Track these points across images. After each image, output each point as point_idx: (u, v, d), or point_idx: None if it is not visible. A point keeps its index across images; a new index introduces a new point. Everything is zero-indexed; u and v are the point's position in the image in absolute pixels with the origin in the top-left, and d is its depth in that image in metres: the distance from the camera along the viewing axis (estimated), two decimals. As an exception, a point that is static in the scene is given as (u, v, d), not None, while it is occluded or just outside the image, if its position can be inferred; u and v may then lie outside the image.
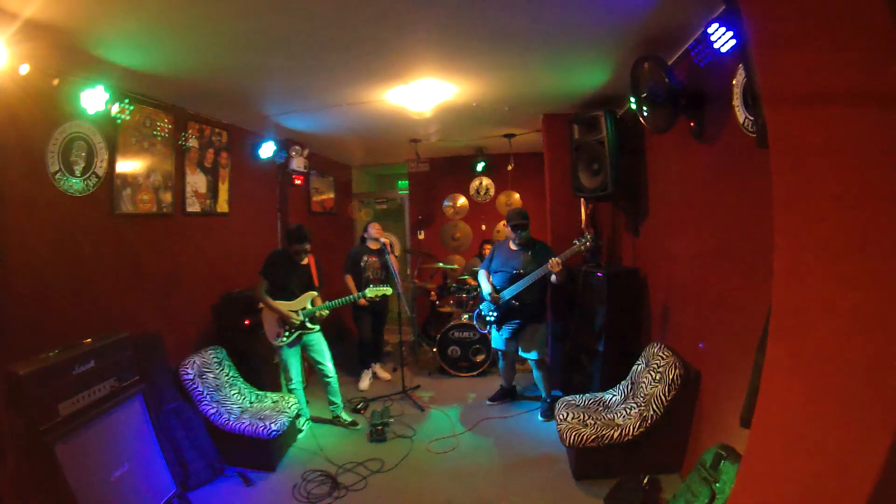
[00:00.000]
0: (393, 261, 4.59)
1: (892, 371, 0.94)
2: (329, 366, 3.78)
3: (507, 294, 3.72)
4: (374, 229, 4.74)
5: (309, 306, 3.67)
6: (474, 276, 5.70)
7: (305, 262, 3.73)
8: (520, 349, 3.87)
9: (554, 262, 3.41)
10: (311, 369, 3.97)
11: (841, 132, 1.10)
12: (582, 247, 3.40)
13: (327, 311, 3.71)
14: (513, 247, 3.86)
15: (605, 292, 3.52)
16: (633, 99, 2.90)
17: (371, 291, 3.89)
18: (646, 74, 2.73)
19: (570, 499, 2.80)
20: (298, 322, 3.60)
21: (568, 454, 3.10)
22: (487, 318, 3.90)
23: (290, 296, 3.62)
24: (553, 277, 3.49)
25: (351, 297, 4.01)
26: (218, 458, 3.09)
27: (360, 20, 2.32)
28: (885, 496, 0.93)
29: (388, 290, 3.98)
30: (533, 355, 3.80)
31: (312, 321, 3.68)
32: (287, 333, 3.61)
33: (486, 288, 3.90)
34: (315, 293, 3.73)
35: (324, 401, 3.97)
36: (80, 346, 2.41)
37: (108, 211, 2.98)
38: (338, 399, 3.86)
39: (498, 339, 3.95)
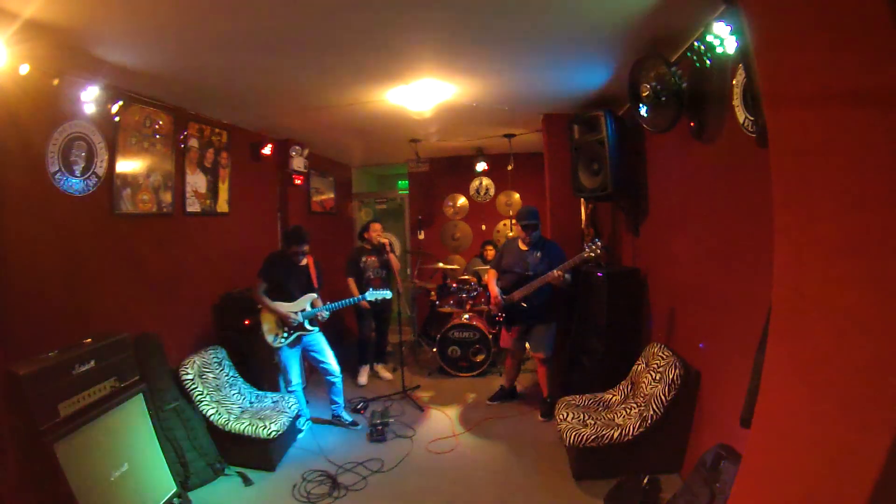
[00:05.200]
0: (393, 260, 4.59)
1: (891, 371, 0.94)
2: (333, 365, 3.77)
3: (516, 296, 3.71)
4: (374, 230, 4.75)
5: (308, 308, 3.67)
6: (475, 275, 5.72)
7: (304, 263, 3.73)
8: (528, 348, 3.88)
9: (555, 276, 3.44)
10: (311, 370, 3.97)
11: (841, 132, 1.10)
12: (592, 254, 3.33)
13: (327, 314, 3.71)
14: (522, 246, 3.84)
15: (606, 292, 3.52)
16: (633, 98, 2.89)
17: (371, 295, 3.89)
18: (649, 73, 2.73)
19: (570, 499, 2.80)
20: (297, 323, 3.60)
21: (568, 454, 3.10)
22: (496, 319, 3.90)
23: (289, 297, 3.62)
24: (559, 285, 3.50)
25: (350, 300, 4.01)
26: (218, 457, 3.09)
27: (361, 20, 2.32)
28: (885, 496, 0.93)
29: (388, 294, 3.97)
30: (541, 354, 3.80)
31: (311, 322, 3.68)
32: (285, 335, 3.61)
33: (493, 289, 3.89)
34: (314, 295, 3.73)
35: (324, 401, 3.98)
36: (80, 346, 2.41)
37: (108, 211, 2.98)
38: (340, 399, 3.87)
39: (506, 338, 3.95)
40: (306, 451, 3.45)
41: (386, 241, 4.59)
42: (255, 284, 3.63)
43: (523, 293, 3.67)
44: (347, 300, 4.00)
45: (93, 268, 2.85)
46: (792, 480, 1.21)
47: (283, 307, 3.58)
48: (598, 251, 3.32)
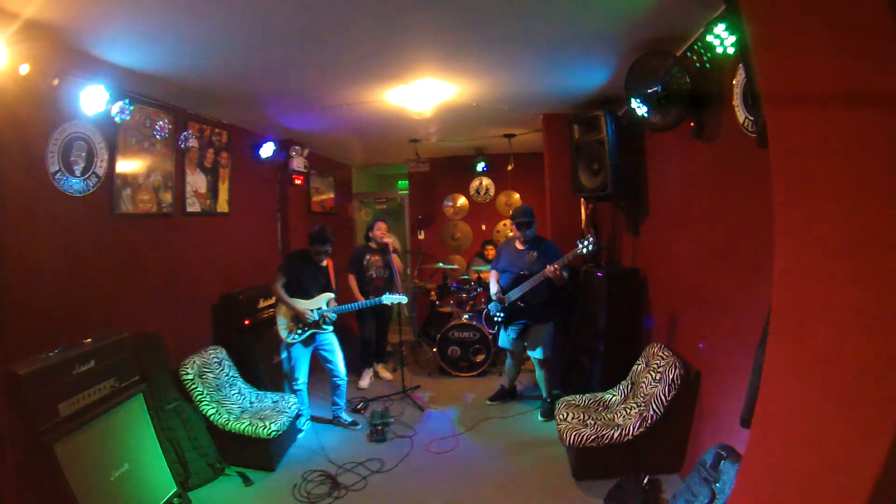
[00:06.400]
0: (396, 260, 4.59)
1: (891, 371, 0.94)
2: (341, 367, 3.79)
3: (513, 295, 3.73)
4: (378, 229, 4.73)
5: (324, 307, 3.69)
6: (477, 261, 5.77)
7: (324, 264, 3.76)
8: (526, 348, 3.89)
9: (550, 270, 3.43)
10: (313, 370, 3.96)
11: (841, 132, 1.10)
12: (584, 250, 3.37)
13: (335, 315, 3.73)
14: (519, 246, 3.87)
15: (605, 292, 3.52)
16: (635, 96, 2.86)
17: (388, 299, 3.89)
18: (652, 70, 2.71)
19: (570, 499, 2.80)
20: (312, 320, 3.62)
21: (568, 454, 3.10)
22: (495, 319, 3.92)
23: (307, 295, 3.66)
24: (556, 283, 3.50)
25: (368, 301, 4.01)
26: (218, 457, 3.08)
27: (361, 20, 2.32)
28: (885, 496, 0.93)
29: (405, 299, 3.97)
30: (538, 354, 3.81)
31: (326, 322, 3.71)
32: (300, 331, 3.63)
33: (493, 288, 3.92)
34: (331, 295, 3.77)
35: (324, 400, 3.98)
36: (80, 346, 2.41)
37: (108, 211, 2.98)
38: (342, 401, 3.88)
39: (505, 338, 3.97)
40: (306, 451, 3.45)
41: (389, 241, 4.58)
42: (275, 278, 3.68)
43: (519, 292, 3.68)
44: (363, 302, 4.00)
45: (93, 268, 2.85)
46: (792, 480, 1.21)
47: (301, 304, 3.60)
48: (590, 247, 3.34)
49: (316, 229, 3.72)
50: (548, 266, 3.45)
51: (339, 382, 3.80)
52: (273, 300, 4.12)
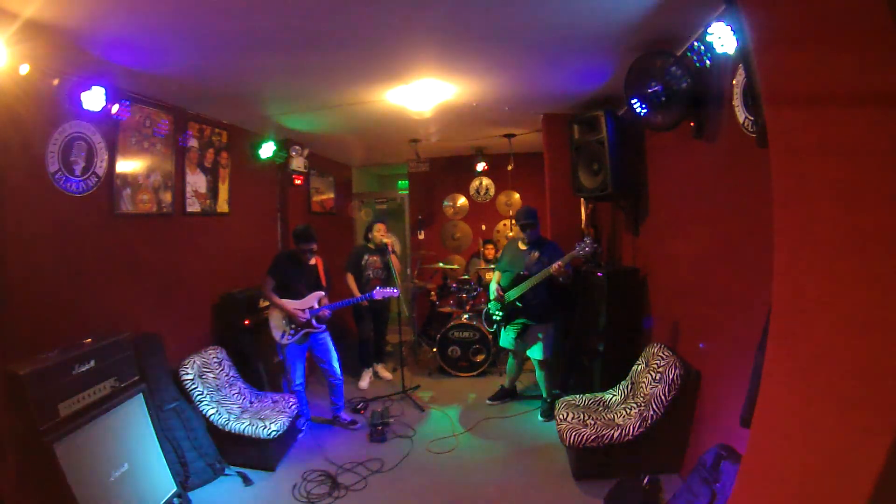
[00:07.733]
0: (395, 261, 4.59)
1: (891, 371, 0.94)
2: (335, 366, 3.79)
3: (511, 295, 3.74)
4: (378, 230, 4.74)
5: (316, 305, 3.69)
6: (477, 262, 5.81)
7: (313, 262, 3.76)
8: (526, 348, 3.89)
9: (555, 267, 3.45)
10: (311, 370, 3.98)
11: (841, 132, 1.10)
12: (581, 252, 3.39)
13: (329, 312, 3.72)
14: (521, 246, 3.88)
15: (605, 292, 3.52)
16: (635, 96, 2.85)
17: (379, 294, 3.90)
18: (652, 70, 2.70)
19: (570, 499, 2.80)
20: (305, 320, 3.62)
21: (568, 454, 3.10)
22: (493, 318, 3.93)
23: (298, 295, 3.65)
24: (561, 279, 3.51)
25: (356, 298, 4.01)
26: (218, 457, 3.08)
27: (361, 20, 2.32)
28: (885, 496, 0.93)
29: (396, 293, 3.99)
30: (537, 355, 3.81)
31: (319, 320, 3.70)
32: (293, 332, 3.63)
33: (492, 287, 3.93)
34: (322, 293, 3.76)
35: (324, 400, 3.98)
36: (80, 346, 2.41)
37: (108, 211, 2.98)
38: (340, 401, 3.88)
39: (505, 338, 3.97)
40: (306, 451, 3.45)
41: (389, 241, 4.59)
42: (264, 282, 3.67)
43: (518, 292, 3.69)
44: (353, 299, 4.01)
45: (93, 268, 2.85)
46: (792, 480, 1.21)
47: (292, 304, 3.60)
48: (587, 249, 3.36)
49: (300, 228, 3.72)
50: (553, 264, 3.46)
51: (335, 382, 3.80)
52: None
